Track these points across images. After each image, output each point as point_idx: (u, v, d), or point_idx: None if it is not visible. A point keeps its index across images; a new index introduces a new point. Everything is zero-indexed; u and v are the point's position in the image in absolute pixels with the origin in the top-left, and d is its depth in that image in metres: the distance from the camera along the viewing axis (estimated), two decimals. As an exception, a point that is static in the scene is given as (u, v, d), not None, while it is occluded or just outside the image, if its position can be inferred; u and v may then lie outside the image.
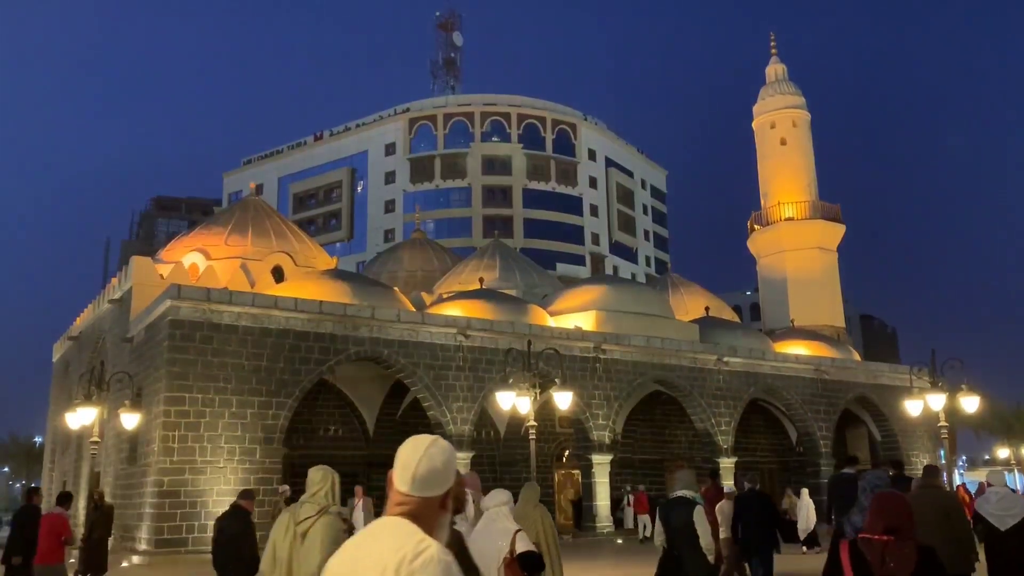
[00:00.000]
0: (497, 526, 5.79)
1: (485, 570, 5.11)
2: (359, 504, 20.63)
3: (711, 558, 7.26)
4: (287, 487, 19.28)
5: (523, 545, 5.67)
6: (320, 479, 5.45)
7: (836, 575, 3.74)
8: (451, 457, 2.46)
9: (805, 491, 22.76)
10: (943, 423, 21.61)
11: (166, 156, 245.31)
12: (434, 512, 2.40)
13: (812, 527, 21.17)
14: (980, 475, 35.19)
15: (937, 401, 21.11)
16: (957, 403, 21.94)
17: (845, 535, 4.23)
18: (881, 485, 5.86)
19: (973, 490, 23.60)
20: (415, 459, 2.40)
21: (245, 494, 8.14)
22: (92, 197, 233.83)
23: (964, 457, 61.06)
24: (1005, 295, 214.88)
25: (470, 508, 6.62)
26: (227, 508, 8.72)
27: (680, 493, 7.64)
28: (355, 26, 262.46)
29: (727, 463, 29.43)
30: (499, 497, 6.02)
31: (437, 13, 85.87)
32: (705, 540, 7.16)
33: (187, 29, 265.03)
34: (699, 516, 7.27)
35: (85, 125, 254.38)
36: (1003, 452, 50.44)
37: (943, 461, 26.96)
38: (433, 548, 2.26)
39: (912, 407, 23.11)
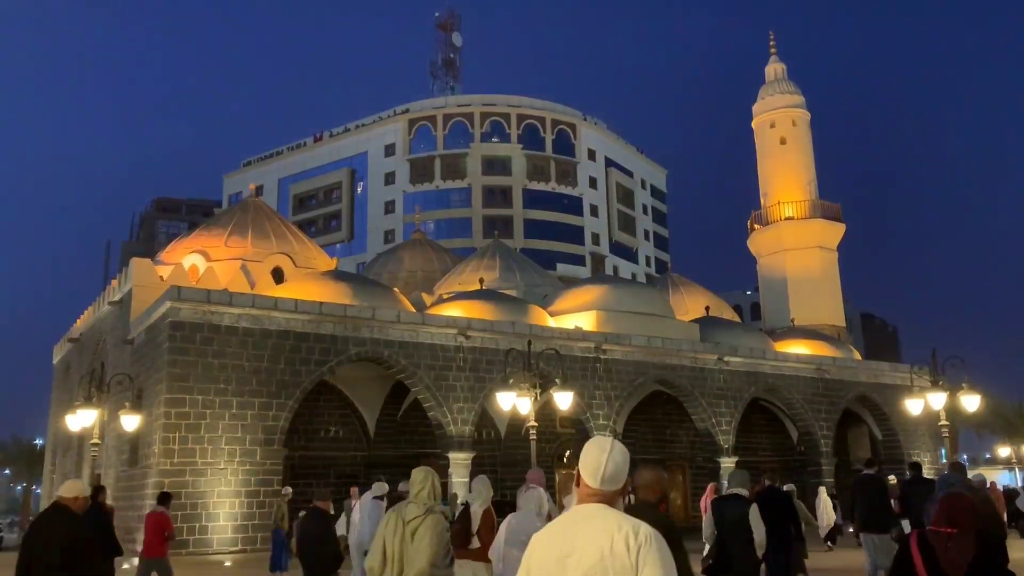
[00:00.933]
0: (529, 522, 6.69)
1: (518, 561, 5.47)
2: (357, 505, 20.61)
3: (760, 553, 7.66)
4: (290, 488, 19.32)
5: None
6: (421, 480, 5.91)
7: (907, 562, 4.41)
8: (627, 457, 3.06)
9: (823, 490, 23.03)
10: (944, 422, 21.59)
11: (166, 158, 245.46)
12: (618, 500, 3.05)
13: (832, 524, 21.48)
14: (983, 474, 35.13)
15: (938, 400, 21.09)
16: (958, 402, 21.91)
17: (923, 527, 4.98)
18: (954, 486, 7.01)
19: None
20: (602, 462, 3.00)
21: (321, 495, 8.76)
22: (92, 199, 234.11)
23: (965, 456, 60.98)
24: (1006, 294, 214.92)
25: (544, 505, 7.60)
26: (307, 510, 9.37)
27: (735, 491, 8.04)
28: (354, 27, 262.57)
29: (728, 463, 29.41)
30: (533, 496, 6.95)
31: (436, 14, 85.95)
32: (759, 536, 7.52)
33: (188, 30, 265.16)
34: (754, 514, 7.63)
35: (86, 127, 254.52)
36: (1004, 451, 50.41)
37: (944, 460, 26.94)
38: (646, 525, 2.89)
39: (913, 406, 23.09)
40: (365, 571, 5.97)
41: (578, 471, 3.06)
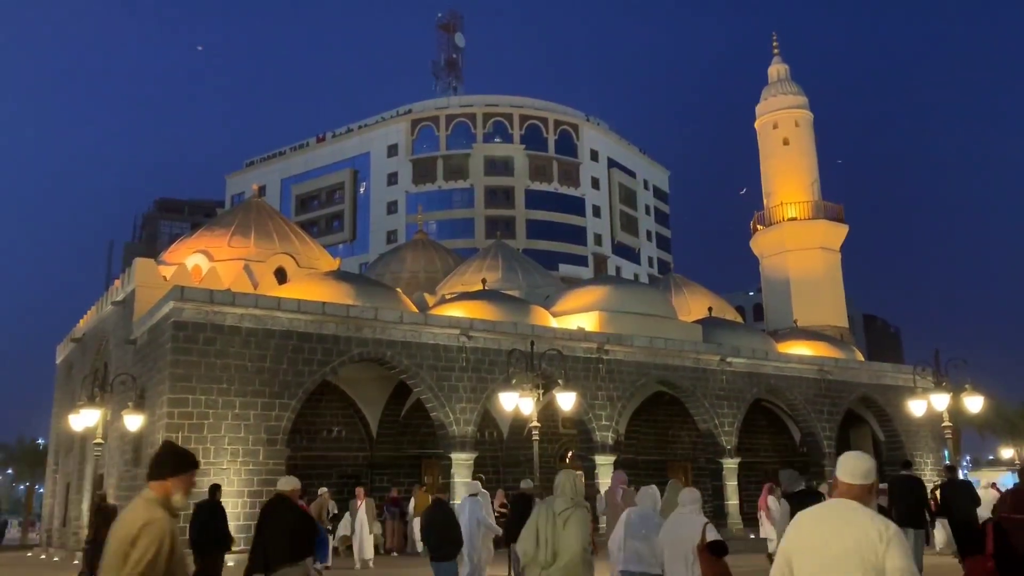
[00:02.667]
0: (691, 519, 7.35)
1: (683, 553, 7.16)
2: (361, 505, 20.68)
3: None
4: (326, 489, 21.34)
5: (711, 535, 7.23)
6: (565, 479, 7.12)
7: (981, 544, 5.21)
8: (875, 464, 3.96)
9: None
10: (947, 423, 21.57)
11: (169, 158, 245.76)
12: (868, 496, 3.86)
13: None
14: (983, 475, 35.06)
15: (941, 401, 21.06)
16: (961, 403, 21.90)
17: (964, 523, 6.25)
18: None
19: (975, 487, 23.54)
20: (860, 463, 3.93)
21: (441, 488, 10.17)
22: (95, 199, 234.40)
23: (968, 457, 60.87)
24: (1009, 294, 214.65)
25: (659, 501, 8.51)
26: (431, 503, 11.44)
27: (804, 487, 8.83)
28: (357, 27, 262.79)
29: (730, 463, 29.39)
30: (692, 495, 7.58)
31: (439, 14, 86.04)
32: None
33: (190, 31, 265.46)
34: None
35: (87, 127, 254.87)
36: (1007, 452, 50.30)
37: (947, 461, 26.92)
38: (893, 523, 3.71)
39: (916, 407, 23.07)
40: (467, 558, 7.82)
41: (835, 476, 4.01)
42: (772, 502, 15.14)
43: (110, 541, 4.18)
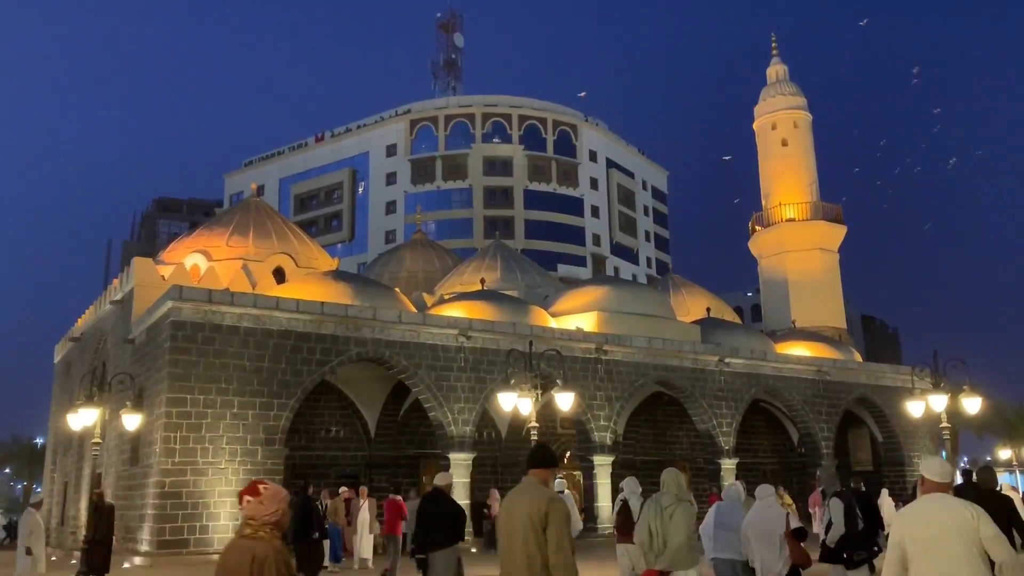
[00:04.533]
0: (774, 509, 8.75)
1: (771, 539, 8.52)
2: (364, 505, 20.67)
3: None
4: (345, 488, 22.46)
5: (794, 523, 8.72)
6: (670, 478, 8.17)
7: None
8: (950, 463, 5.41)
9: (886, 491, 23.38)
10: (945, 424, 21.60)
11: (167, 157, 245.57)
12: (949, 490, 4.96)
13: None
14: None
15: (939, 402, 21.09)
16: (959, 404, 21.91)
17: None
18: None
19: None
20: (945, 467, 5.04)
21: (443, 478, 10.86)
22: (94, 198, 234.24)
23: (966, 458, 60.94)
24: (1007, 295, 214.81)
25: (742, 495, 9.85)
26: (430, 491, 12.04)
27: (853, 486, 9.87)
28: (356, 27, 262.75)
29: (728, 464, 29.42)
30: (769, 490, 8.97)
31: (438, 14, 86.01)
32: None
33: (188, 30, 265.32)
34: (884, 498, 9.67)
35: (86, 126, 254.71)
36: (1005, 453, 50.37)
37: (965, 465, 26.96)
38: (979, 507, 4.75)
39: (914, 408, 23.08)
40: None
41: (922, 474, 5.09)
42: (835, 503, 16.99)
43: (512, 517, 5.30)
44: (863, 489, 13.29)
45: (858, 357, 38.46)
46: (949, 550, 4.59)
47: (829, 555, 9.94)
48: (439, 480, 10.39)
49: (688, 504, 8.07)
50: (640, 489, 11.50)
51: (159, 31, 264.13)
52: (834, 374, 33.43)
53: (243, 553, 4.01)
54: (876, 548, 9.32)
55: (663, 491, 8.10)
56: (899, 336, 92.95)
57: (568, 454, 31.19)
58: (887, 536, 17.48)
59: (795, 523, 8.68)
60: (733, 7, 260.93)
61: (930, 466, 4.99)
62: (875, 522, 10.58)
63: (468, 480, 24.42)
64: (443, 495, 10.06)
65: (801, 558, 8.58)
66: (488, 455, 28.65)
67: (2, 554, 35.42)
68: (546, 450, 5.75)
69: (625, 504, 11.59)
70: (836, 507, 9.53)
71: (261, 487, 4.20)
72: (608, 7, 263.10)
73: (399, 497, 19.25)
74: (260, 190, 39.73)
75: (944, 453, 26.47)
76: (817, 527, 16.77)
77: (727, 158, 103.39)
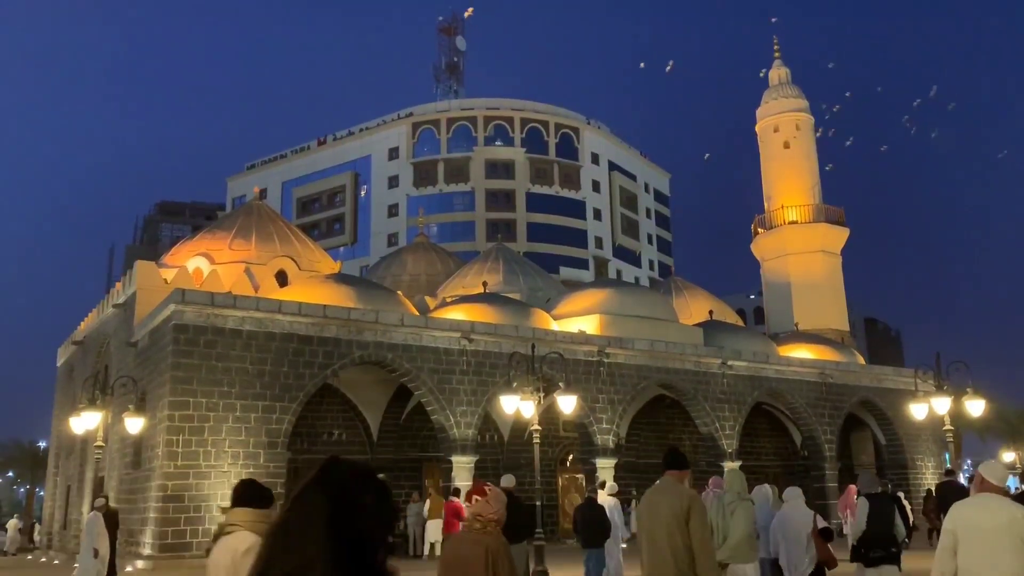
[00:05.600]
0: (802, 510, 9.23)
1: (799, 538, 8.93)
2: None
3: (899, 538, 9.68)
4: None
5: (821, 523, 9.32)
6: (733, 478, 9.10)
7: None
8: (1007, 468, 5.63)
9: (901, 495, 23.54)
10: (948, 427, 21.55)
11: (170, 161, 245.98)
12: (1003, 491, 5.53)
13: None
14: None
15: (942, 404, 21.05)
16: (962, 406, 21.87)
17: None
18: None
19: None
20: (1002, 470, 5.60)
21: (508, 479, 11.85)
22: (96, 202, 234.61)
23: (969, 461, 60.79)
24: (1010, 298, 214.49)
25: (770, 496, 10.69)
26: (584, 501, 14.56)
27: (879, 490, 9.89)
28: (358, 31, 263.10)
29: (731, 467, 29.34)
30: (795, 491, 9.53)
31: (440, 17, 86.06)
32: (900, 531, 9.37)
33: (191, 33, 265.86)
34: (897, 511, 9.52)
35: (89, 130, 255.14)
36: (1008, 455, 50.25)
37: (948, 465, 26.89)
38: None
39: (917, 410, 23.04)
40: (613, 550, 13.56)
41: (980, 474, 5.59)
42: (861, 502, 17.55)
43: (656, 514, 6.00)
44: (894, 493, 13.68)
45: (861, 360, 38.39)
46: (996, 542, 5.17)
47: (853, 553, 10.33)
48: (505, 482, 11.45)
49: (748, 503, 8.78)
50: None
51: (162, 35, 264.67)
52: (837, 377, 33.37)
53: (476, 546, 4.61)
54: (894, 549, 9.50)
55: (726, 490, 9.04)
56: (902, 338, 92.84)
57: (571, 457, 31.14)
58: (906, 537, 17.74)
59: (822, 523, 9.27)
60: (735, 11, 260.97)
61: (990, 469, 5.61)
62: (890, 523, 10.79)
63: (471, 484, 24.38)
64: (510, 495, 10.59)
65: (827, 557, 9.07)
66: (490, 458, 28.61)
67: (13, 559, 35.45)
68: (680, 454, 6.69)
69: None
70: (862, 506, 9.82)
71: (487, 488, 4.87)
72: (610, 10, 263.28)
73: (457, 500, 19.91)
74: (262, 193, 39.79)
75: (948, 456, 26.42)
76: (847, 529, 17.30)
77: (707, 156, 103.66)
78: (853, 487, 17.69)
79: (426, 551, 23.54)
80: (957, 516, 5.43)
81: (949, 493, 16.82)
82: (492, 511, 4.68)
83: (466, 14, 68.61)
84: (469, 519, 4.77)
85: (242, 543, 3.89)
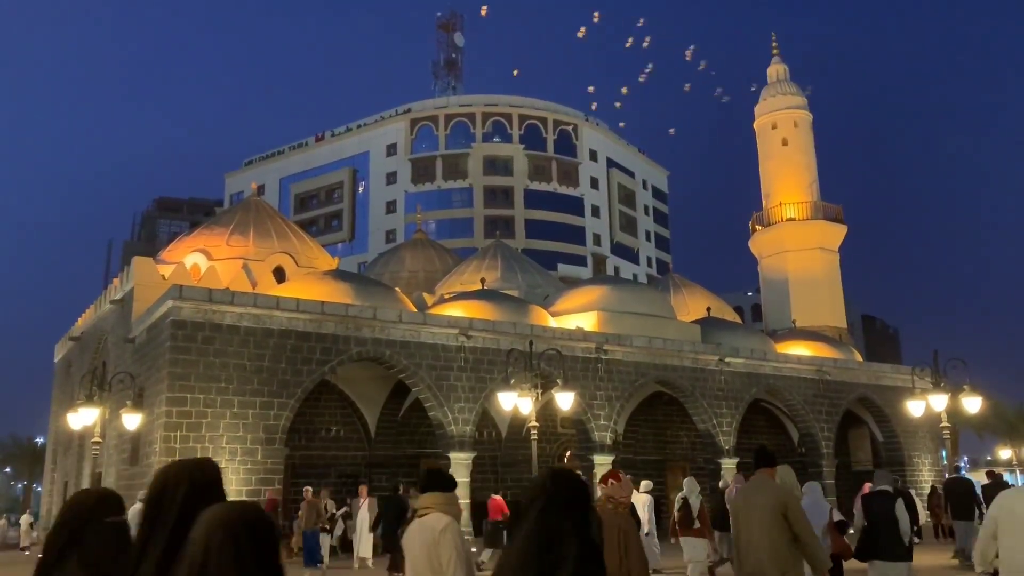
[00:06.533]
0: (820, 504, 9.50)
1: (816, 529, 8.39)
2: (364, 503, 20.69)
3: (906, 540, 9.35)
4: (310, 488, 21.38)
5: (836, 516, 9.69)
6: (785, 474, 8.73)
7: None
8: None
9: (912, 492, 23.67)
10: (945, 424, 21.59)
11: (168, 157, 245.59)
12: None
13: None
14: (983, 476, 35.12)
15: (939, 402, 21.08)
16: (959, 404, 21.91)
17: None
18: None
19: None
20: None
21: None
22: (94, 198, 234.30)
23: (966, 458, 61.00)
24: (1007, 295, 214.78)
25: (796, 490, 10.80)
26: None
27: (883, 487, 9.65)
28: (356, 27, 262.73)
29: (728, 464, 29.40)
30: (815, 486, 9.94)
31: (438, 14, 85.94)
32: (903, 527, 9.07)
33: (189, 30, 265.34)
34: (900, 508, 9.07)
35: (87, 126, 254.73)
36: (1005, 453, 50.41)
37: (945, 462, 26.94)
38: None
39: (914, 408, 23.08)
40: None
41: None
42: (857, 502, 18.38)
43: (752, 510, 6.35)
44: (903, 489, 14.03)
45: (858, 357, 38.44)
46: None
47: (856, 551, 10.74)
48: (644, 487, 12.62)
49: (795, 499, 9.03)
50: (698, 488, 13.81)
51: (160, 31, 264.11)
52: (834, 374, 33.41)
53: (611, 528, 5.14)
54: (898, 544, 9.72)
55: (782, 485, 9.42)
56: (899, 336, 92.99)
57: (568, 454, 31.17)
58: (916, 532, 18.27)
59: (838, 516, 9.69)
60: (734, 7, 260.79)
61: None
62: (892, 520, 11.00)
63: (468, 480, 24.40)
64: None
65: (843, 548, 9.46)
66: (488, 455, 28.63)
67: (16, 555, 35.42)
68: (770, 453, 7.13)
69: (685, 501, 13.97)
70: (858, 505, 10.40)
71: (620, 474, 5.48)
72: (607, 6, 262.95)
73: (499, 496, 20.61)
74: (260, 190, 39.76)
75: (944, 453, 26.46)
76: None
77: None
78: (868, 484, 18.24)
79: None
80: (1000, 504, 5.77)
81: (958, 489, 17.92)
82: (623, 495, 5.37)
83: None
84: (603, 500, 5.33)
85: (439, 522, 4.39)
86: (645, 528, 16.60)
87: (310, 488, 21.12)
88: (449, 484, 4.73)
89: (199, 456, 19.64)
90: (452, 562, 4.21)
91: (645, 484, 17.17)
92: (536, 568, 2.56)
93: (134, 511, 16.32)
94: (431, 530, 4.39)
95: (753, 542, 6.24)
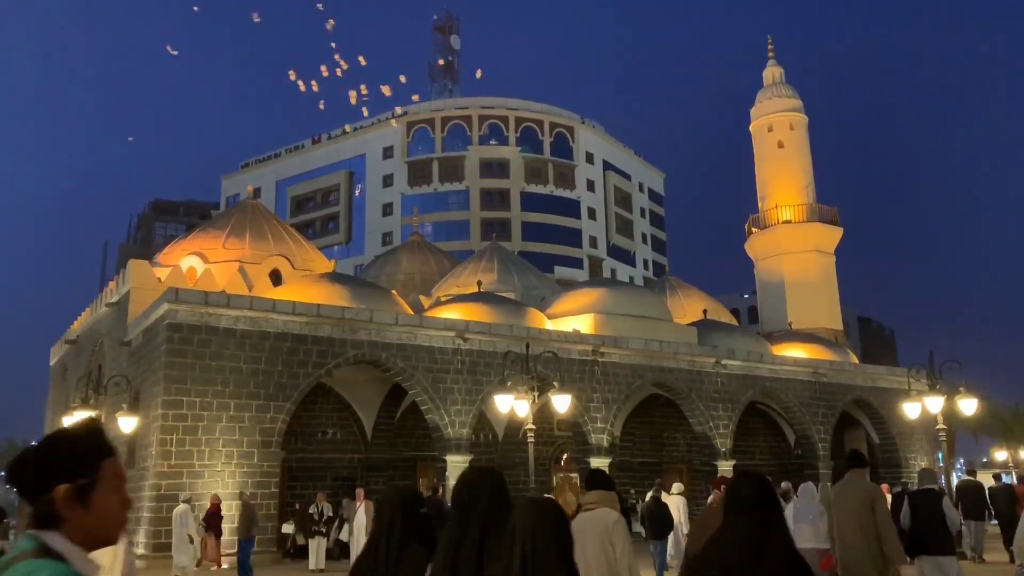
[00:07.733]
0: (814, 507, 9.81)
1: (808, 525, 9.27)
2: (360, 507, 20.64)
3: (953, 532, 9.89)
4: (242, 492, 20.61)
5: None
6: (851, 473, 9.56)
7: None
8: None
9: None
10: (941, 425, 21.61)
11: (164, 160, 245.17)
12: None
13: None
14: (983, 478, 35.13)
15: (935, 403, 21.11)
16: (955, 405, 21.92)
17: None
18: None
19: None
20: None
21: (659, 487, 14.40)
22: (90, 200, 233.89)
23: (962, 459, 61.01)
24: (1003, 297, 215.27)
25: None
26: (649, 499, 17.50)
27: (928, 486, 10.10)
28: (353, 29, 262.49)
29: (725, 466, 29.41)
30: (811, 489, 10.15)
31: (435, 16, 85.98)
32: (953, 522, 9.53)
33: (184, 32, 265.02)
34: (947, 504, 9.59)
35: (83, 128, 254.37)
36: (1001, 454, 50.44)
37: (941, 464, 26.99)
38: None
39: (910, 409, 23.10)
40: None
41: None
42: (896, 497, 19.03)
43: (846, 504, 7.68)
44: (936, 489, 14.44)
45: (854, 359, 38.49)
46: None
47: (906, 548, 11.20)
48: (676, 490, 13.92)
49: (882, 496, 9.33)
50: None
51: (156, 33, 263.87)
52: (830, 376, 33.45)
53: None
54: (937, 541, 10.09)
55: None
56: (895, 338, 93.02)
57: (565, 456, 31.16)
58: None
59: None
60: (730, 10, 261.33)
61: None
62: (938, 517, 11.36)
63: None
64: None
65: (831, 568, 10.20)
66: (485, 457, 28.59)
67: None
68: (861, 454, 8.32)
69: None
70: (899, 502, 10.91)
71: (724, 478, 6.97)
72: (604, 9, 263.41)
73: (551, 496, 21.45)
74: (257, 192, 39.69)
75: (940, 455, 26.50)
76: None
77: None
78: (885, 486, 19.78)
79: None
80: None
81: (970, 491, 19.06)
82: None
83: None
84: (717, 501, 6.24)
85: (609, 516, 5.02)
86: (684, 528, 17.85)
87: (245, 492, 20.16)
88: (610, 484, 5.43)
89: (194, 458, 19.56)
90: (625, 552, 4.87)
91: (677, 487, 18.42)
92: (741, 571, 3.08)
93: (178, 512, 17.81)
94: (603, 523, 4.99)
95: (846, 533, 7.58)
